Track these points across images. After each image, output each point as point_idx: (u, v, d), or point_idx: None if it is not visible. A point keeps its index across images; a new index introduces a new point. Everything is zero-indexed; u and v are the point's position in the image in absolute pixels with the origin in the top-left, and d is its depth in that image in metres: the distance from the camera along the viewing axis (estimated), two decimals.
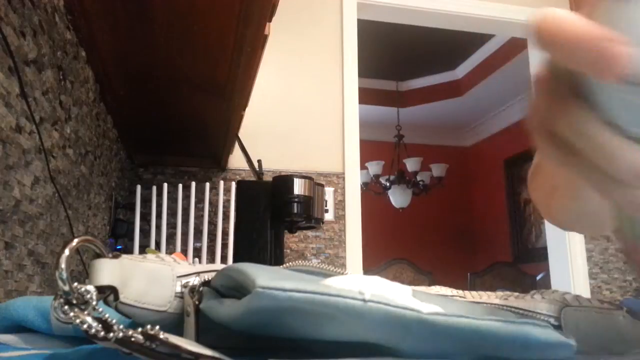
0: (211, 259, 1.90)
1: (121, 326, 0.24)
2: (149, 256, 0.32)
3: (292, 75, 2.37)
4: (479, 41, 4.24)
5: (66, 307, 0.26)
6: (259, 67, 1.23)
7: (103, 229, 1.52)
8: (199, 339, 0.28)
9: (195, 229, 1.75)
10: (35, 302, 0.39)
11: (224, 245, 1.81)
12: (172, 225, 1.80)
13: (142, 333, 0.23)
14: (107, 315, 0.25)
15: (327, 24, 2.44)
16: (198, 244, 1.86)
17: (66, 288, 0.26)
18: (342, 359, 0.24)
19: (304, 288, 0.23)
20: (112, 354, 0.30)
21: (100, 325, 0.24)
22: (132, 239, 1.71)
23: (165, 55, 1.15)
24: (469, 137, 5.62)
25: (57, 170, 0.98)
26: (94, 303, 0.26)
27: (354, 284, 0.24)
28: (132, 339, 0.23)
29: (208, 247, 1.89)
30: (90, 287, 0.27)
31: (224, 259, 1.81)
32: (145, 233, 1.85)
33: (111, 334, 0.23)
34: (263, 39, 1.08)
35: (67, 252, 0.26)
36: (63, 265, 0.26)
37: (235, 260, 1.71)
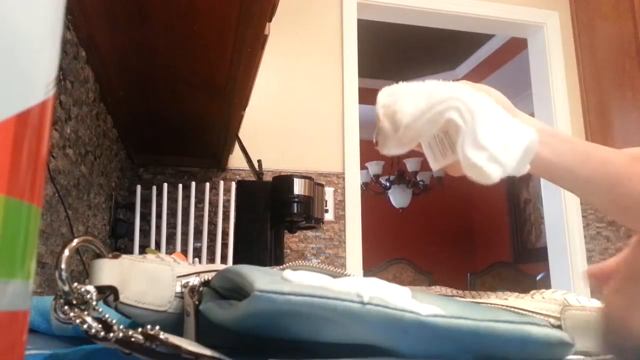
0: (211, 259, 1.90)
1: (121, 326, 0.24)
2: (149, 256, 0.32)
3: (292, 75, 2.37)
4: (479, 41, 4.24)
5: (66, 307, 0.25)
6: (259, 67, 1.23)
7: (103, 229, 1.52)
8: (198, 339, 0.28)
9: (195, 229, 1.75)
10: (35, 302, 0.39)
11: (224, 245, 1.81)
12: (172, 225, 1.80)
13: (142, 333, 0.23)
14: (107, 316, 0.25)
15: (327, 24, 2.44)
16: (198, 244, 1.86)
17: (66, 288, 0.26)
18: (342, 359, 0.24)
19: (302, 291, 0.23)
20: (112, 354, 0.30)
21: (100, 326, 0.24)
22: (132, 239, 1.71)
23: (165, 55, 1.15)
24: None
25: (57, 170, 0.98)
26: (94, 303, 0.26)
27: (352, 287, 0.24)
28: (132, 339, 0.23)
29: (208, 247, 1.88)
30: (90, 288, 0.27)
31: (224, 259, 1.81)
32: (145, 233, 1.85)
33: (111, 334, 0.23)
34: (263, 39, 1.08)
35: (67, 252, 0.26)
36: (63, 266, 0.26)
37: (235, 260, 1.71)
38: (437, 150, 0.51)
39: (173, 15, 0.99)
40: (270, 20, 1.03)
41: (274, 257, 1.73)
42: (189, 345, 0.23)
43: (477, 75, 4.59)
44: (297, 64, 2.38)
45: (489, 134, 0.42)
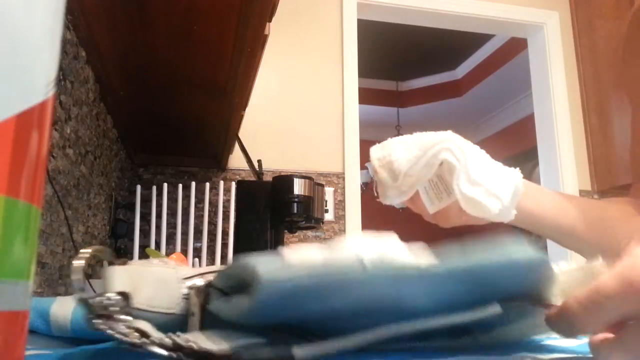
0: (211, 259, 1.90)
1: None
2: (154, 261, 0.33)
3: (292, 75, 2.37)
4: (479, 41, 4.24)
5: (92, 316, 0.26)
6: (259, 67, 1.23)
7: (103, 229, 1.52)
8: None
9: (195, 229, 1.75)
10: (34, 302, 0.39)
11: (224, 245, 1.81)
12: (172, 225, 1.80)
13: (170, 338, 0.24)
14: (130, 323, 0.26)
15: (327, 24, 2.44)
16: (198, 244, 1.86)
17: (85, 297, 0.26)
18: (355, 334, 0.26)
19: (307, 273, 0.24)
20: (115, 354, 0.31)
21: (135, 331, 0.25)
22: (132, 239, 1.71)
23: (165, 55, 1.15)
24: (469, 137, 5.43)
25: (56, 170, 0.98)
26: (123, 312, 0.27)
27: (352, 254, 0.25)
28: (167, 342, 0.24)
29: (208, 247, 1.89)
30: (112, 295, 0.27)
31: (224, 259, 1.81)
32: (145, 233, 1.85)
33: (149, 340, 0.24)
34: (263, 39, 1.08)
35: (82, 262, 0.27)
36: (79, 276, 0.26)
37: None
38: (432, 194, 0.54)
39: (173, 15, 0.99)
40: (270, 20, 1.03)
41: None
42: (210, 342, 0.24)
43: (477, 75, 4.59)
44: (297, 64, 2.38)
45: (481, 171, 0.46)
